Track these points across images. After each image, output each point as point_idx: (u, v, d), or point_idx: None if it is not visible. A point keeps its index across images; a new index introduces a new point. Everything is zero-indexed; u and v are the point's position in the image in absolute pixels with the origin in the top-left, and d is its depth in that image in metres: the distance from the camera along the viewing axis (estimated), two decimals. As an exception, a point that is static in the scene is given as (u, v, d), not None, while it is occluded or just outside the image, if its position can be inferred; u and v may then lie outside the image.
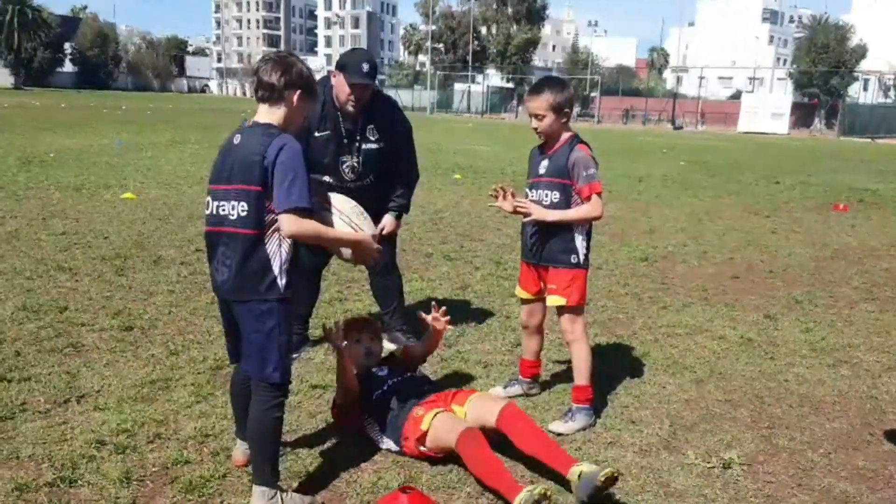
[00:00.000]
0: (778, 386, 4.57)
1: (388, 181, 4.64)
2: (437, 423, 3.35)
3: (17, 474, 3.14)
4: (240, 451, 3.29)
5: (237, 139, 2.97)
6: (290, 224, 2.81)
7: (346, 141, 4.40)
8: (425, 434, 3.36)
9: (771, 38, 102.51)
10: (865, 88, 66.40)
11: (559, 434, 3.73)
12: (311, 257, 4.56)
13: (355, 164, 4.43)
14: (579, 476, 3.08)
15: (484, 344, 5.10)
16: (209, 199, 2.96)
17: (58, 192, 10.39)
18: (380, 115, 4.52)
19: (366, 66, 4.27)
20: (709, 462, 3.54)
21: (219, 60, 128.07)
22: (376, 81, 4.42)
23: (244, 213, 2.83)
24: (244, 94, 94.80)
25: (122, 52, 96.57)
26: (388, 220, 4.70)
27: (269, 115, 2.97)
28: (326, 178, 4.40)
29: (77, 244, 7.36)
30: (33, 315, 5.18)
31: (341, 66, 4.33)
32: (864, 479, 3.48)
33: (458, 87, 70.94)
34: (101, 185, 11.31)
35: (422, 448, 3.39)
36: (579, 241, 3.90)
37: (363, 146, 4.43)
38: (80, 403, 3.86)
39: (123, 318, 5.25)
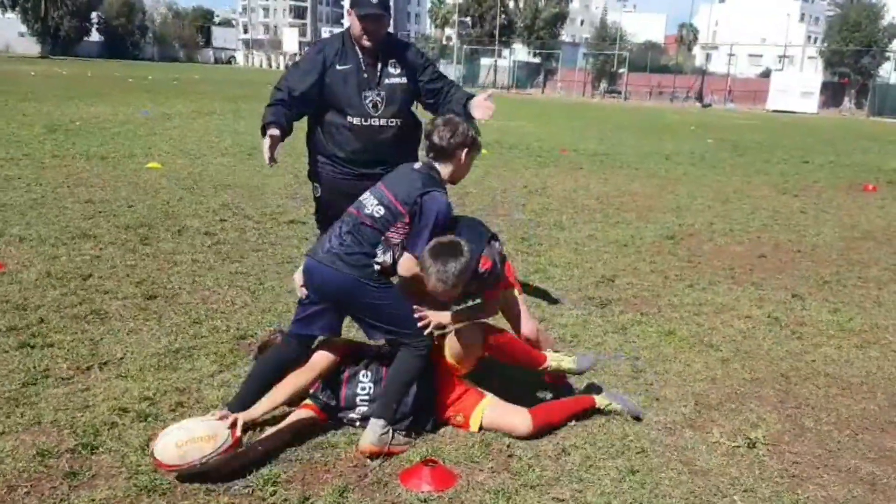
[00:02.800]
0: (805, 366, 4.50)
1: (437, 103, 4.50)
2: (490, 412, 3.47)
3: (38, 440, 3.16)
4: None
5: (418, 165, 3.52)
6: (406, 263, 3.38)
7: (366, 76, 4.32)
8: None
9: (802, 16, 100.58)
10: (897, 69, 65.04)
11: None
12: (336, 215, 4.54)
13: (378, 100, 4.34)
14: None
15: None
16: (370, 192, 3.46)
17: (83, 161, 10.43)
18: (400, 50, 4.44)
19: None
20: (734, 441, 3.50)
21: (245, 32, 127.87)
22: (387, 12, 4.26)
23: (378, 215, 3.32)
24: (269, 65, 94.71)
25: (149, 23, 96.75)
26: (478, 104, 4.41)
27: (440, 167, 3.49)
28: (349, 120, 4.29)
29: (102, 212, 7.39)
30: (57, 282, 5.21)
31: (352, 1, 4.29)
32: (891, 461, 3.42)
33: (484, 61, 70.46)
34: (127, 154, 11.35)
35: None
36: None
37: (385, 80, 4.32)
38: (102, 371, 3.87)
39: (147, 286, 5.26)
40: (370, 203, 3.37)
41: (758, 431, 3.59)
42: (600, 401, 3.66)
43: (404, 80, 4.39)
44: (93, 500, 2.79)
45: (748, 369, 4.40)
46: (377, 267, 3.27)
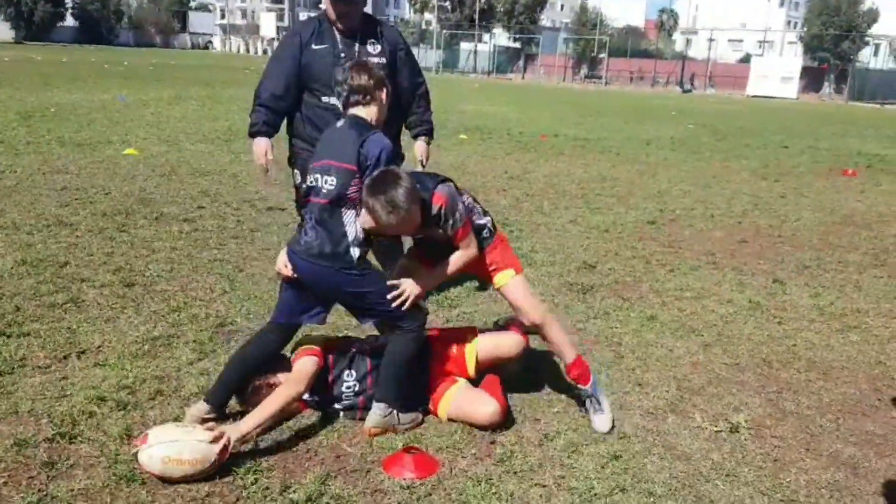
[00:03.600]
0: (786, 350, 4.52)
1: (402, 100, 4.55)
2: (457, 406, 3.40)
3: (16, 430, 3.11)
4: (197, 410, 3.23)
5: (340, 123, 3.36)
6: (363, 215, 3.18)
7: (343, 55, 4.29)
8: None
9: (782, 1, 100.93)
10: (876, 53, 65.56)
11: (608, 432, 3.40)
12: None
13: None
14: None
15: (489, 306, 5.04)
16: (311, 174, 3.27)
17: (59, 147, 10.28)
18: (380, 30, 4.45)
19: None
20: (716, 426, 3.51)
21: (222, 17, 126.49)
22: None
23: (332, 187, 3.17)
24: (247, 50, 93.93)
25: (124, 8, 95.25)
26: (420, 148, 4.75)
27: (364, 112, 3.35)
28: (326, 99, 4.27)
29: (78, 199, 7.28)
30: (33, 270, 5.12)
31: None
32: (872, 445, 3.44)
33: (464, 46, 70.17)
34: (103, 140, 11.20)
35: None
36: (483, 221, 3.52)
37: (363, 59, 4.32)
38: (80, 359, 3.82)
39: (125, 274, 5.19)
40: (320, 182, 3.19)
41: (740, 416, 3.60)
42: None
43: (383, 59, 4.38)
44: (71, 490, 2.75)
45: (730, 354, 4.41)
46: (356, 252, 3.18)
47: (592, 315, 4.96)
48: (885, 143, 18.42)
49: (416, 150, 4.75)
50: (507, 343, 3.56)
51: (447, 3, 77.42)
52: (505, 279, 3.44)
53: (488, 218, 3.53)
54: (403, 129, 4.79)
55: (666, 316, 5.01)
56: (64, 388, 3.50)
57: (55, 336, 4.06)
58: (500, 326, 3.91)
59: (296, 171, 4.56)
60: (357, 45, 4.33)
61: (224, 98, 20.05)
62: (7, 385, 3.50)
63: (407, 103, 4.62)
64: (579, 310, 5.05)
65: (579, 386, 3.49)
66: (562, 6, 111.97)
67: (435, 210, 3.17)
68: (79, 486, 2.78)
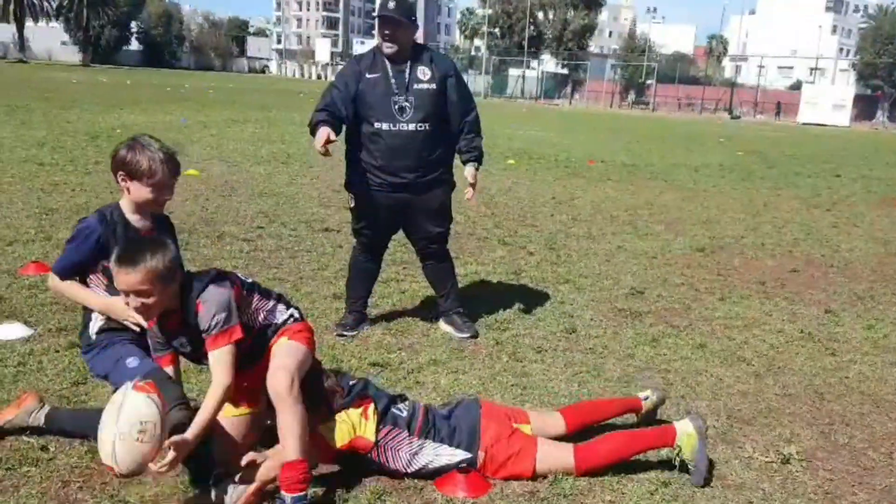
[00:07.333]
0: (838, 382, 4.50)
1: (452, 126, 4.68)
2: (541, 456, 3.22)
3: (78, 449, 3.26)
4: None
5: None
6: (50, 280, 3.32)
7: (394, 81, 4.45)
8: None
9: (834, 28, 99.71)
10: (932, 82, 64.29)
11: None
12: (376, 230, 4.68)
13: (406, 105, 4.46)
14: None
15: (538, 329, 5.11)
16: None
17: (123, 167, 10.62)
18: (431, 57, 4.61)
19: (391, 4, 4.36)
20: (767, 456, 3.52)
21: (278, 42, 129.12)
22: (407, 20, 4.43)
23: None
24: (302, 75, 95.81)
25: (186, 32, 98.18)
26: (470, 173, 4.81)
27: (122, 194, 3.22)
28: (378, 125, 4.45)
29: (142, 218, 7.53)
30: (102, 285, 5.33)
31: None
32: (926, 480, 3.42)
33: (512, 71, 70.65)
34: (164, 161, 11.53)
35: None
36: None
37: (414, 86, 4.47)
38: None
39: (187, 291, 5.37)
40: None
41: (791, 447, 3.60)
42: (682, 440, 3.25)
43: (433, 86, 4.52)
44: (143, 497, 2.89)
45: (781, 384, 4.41)
46: (92, 333, 3.17)
47: (641, 341, 4.99)
48: (942, 174, 18.05)
49: (466, 173, 4.84)
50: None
51: (497, 30, 78.01)
52: (280, 344, 3.00)
53: (292, 309, 3.12)
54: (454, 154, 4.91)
55: (716, 344, 5.03)
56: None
57: (124, 349, 4.24)
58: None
59: (351, 195, 4.71)
60: (408, 71, 4.49)
61: (281, 121, 20.48)
62: (80, 394, 3.68)
63: (457, 130, 4.72)
64: (628, 335, 5.09)
65: (282, 493, 2.82)
66: (610, 33, 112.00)
67: (197, 317, 2.81)
68: (149, 493, 2.92)
